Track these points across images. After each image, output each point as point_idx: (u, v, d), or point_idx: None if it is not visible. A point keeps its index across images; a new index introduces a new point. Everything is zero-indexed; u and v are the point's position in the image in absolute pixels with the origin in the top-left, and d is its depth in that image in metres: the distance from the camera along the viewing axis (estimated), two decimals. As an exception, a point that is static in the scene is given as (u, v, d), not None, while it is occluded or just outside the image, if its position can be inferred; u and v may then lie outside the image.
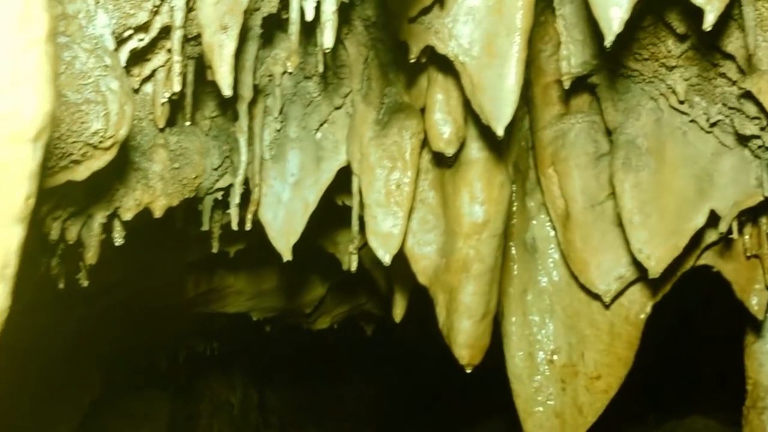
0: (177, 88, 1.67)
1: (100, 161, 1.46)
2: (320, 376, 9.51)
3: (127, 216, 1.75)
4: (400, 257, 2.34)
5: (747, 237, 2.59)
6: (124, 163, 1.74)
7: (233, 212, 2.32)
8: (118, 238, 1.85)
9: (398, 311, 2.75)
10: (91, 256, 1.76)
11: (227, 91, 1.61)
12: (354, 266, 2.98)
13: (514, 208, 2.73)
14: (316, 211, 2.53)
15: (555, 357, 2.78)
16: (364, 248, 3.37)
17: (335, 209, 3.13)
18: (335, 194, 2.72)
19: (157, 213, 1.82)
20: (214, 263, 3.69)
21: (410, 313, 3.70)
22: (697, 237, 2.48)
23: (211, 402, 9.15)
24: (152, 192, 1.77)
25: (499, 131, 1.79)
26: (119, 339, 4.49)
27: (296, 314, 4.62)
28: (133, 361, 5.74)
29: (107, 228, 1.81)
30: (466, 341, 2.17)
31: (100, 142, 1.42)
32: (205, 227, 2.47)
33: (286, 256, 2.33)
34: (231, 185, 2.33)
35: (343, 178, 2.58)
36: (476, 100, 1.85)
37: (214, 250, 2.68)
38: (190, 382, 8.88)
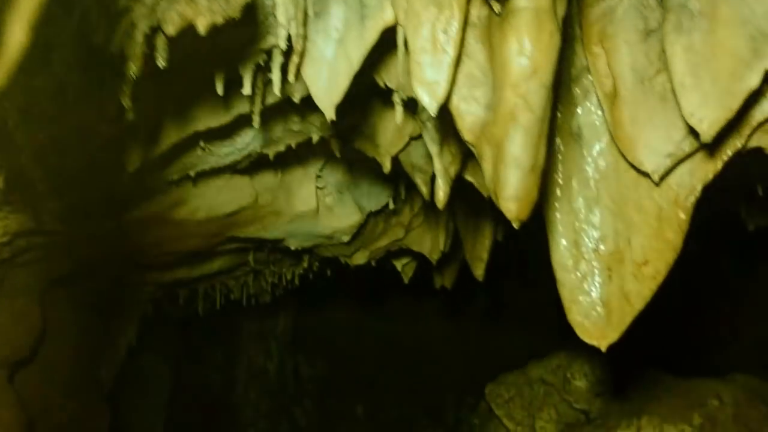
0: None
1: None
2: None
3: (170, 30, 1.73)
4: (446, 120, 2.30)
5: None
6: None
7: (275, 75, 2.30)
8: (161, 59, 1.82)
9: (441, 195, 2.69)
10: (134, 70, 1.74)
11: None
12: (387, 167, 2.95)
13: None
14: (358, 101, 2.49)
15: (601, 245, 2.72)
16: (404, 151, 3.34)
17: (378, 101, 3.10)
18: (377, 70, 2.68)
19: (201, 29, 1.79)
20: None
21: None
22: (750, 107, 2.41)
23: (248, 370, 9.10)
24: (195, 7, 1.74)
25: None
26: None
27: (334, 244, 4.59)
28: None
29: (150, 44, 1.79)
30: (514, 193, 2.11)
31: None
32: (247, 90, 2.43)
33: (329, 114, 2.29)
34: (274, 46, 2.30)
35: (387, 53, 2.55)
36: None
37: (255, 124, 2.64)
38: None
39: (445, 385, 10.18)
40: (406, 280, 5.87)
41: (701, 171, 2.61)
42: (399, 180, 4.32)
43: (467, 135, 2.22)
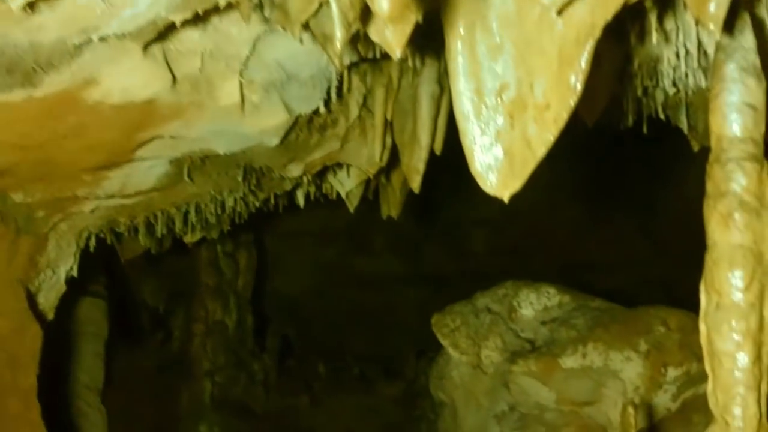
0: None
1: None
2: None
3: None
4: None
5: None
6: None
7: None
8: None
9: (338, 45, 2.58)
10: None
11: None
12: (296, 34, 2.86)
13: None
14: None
15: (504, 93, 2.65)
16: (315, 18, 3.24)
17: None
18: None
19: None
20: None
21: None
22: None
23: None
24: None
25: None
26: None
27: (265, 151, 4.50)
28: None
29: None
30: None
31: None
32: None
33: None
34: None
35: None
36: None
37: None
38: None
39: (408, 346, 10.12)
40: (351, 209, 5.80)
41: (601, 9, 2.53)
42: (330, 84, 4.23)
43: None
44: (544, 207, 10.65)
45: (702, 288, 2.77)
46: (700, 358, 5.37)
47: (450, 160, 4.98)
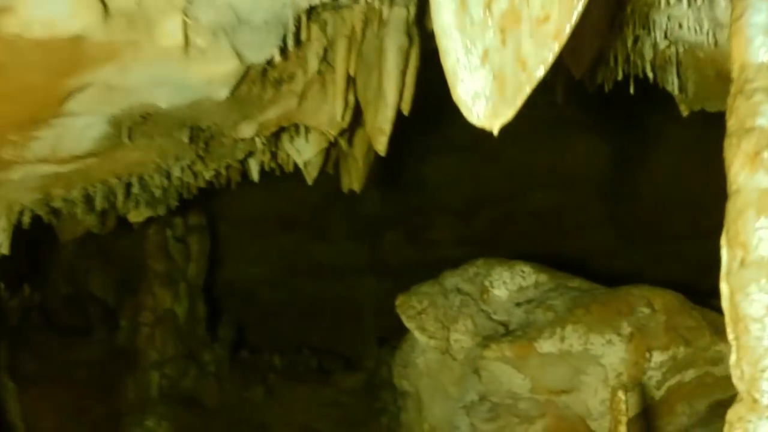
0: None
1: None
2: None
3: None
4: None
5: None
6: None
7: None
8: None
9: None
10: None
11: None
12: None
13: None
14: None
15: (494, 4, 2.20)
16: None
17: None
18: None
19: None
20: None
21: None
22: None
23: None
24: None
25: None
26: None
27: (213, 108, 4.04)
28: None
29: None
30: None
31: None
32: None
33: None
34: None
35: None
36: None
37: None
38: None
39: (368, 337, 9.75)
40: (310, 181, 5.35)
41: None
42: (286, 32, 3.78)
43: None
44: (514, 193, 10.39)
45: (723, 242, 2.33)
46: (687, 342, 5.02)
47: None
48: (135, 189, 5.28)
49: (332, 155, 5.49)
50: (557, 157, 10.28)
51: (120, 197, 5.28)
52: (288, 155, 5.26)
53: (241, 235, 10.67)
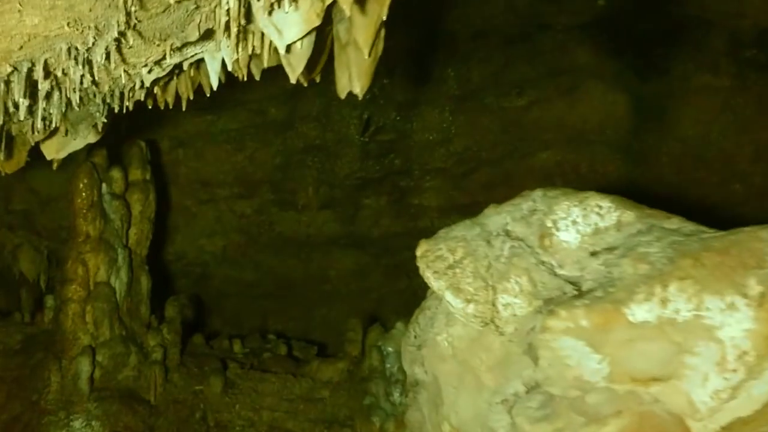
0: None
1: None
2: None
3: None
4: None
5: None
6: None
7: None
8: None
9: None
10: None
11: None
12: None
13: None
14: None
15: None
16: None
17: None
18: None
19: None
20: None
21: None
22: None
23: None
24: None
25: None
26: None
27: None
28: None
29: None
30: None
31: None
32: None
33: None
34: None
35: None
36: None
37: None
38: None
39: (345, 320, 8.50)
40: (293, 78, 3.86)
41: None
42: None
43: None
44: (514, 151, 9.40)
45: None
46: None
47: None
48: (39, 80, 3.64)
49: (326, 44, 3.95)
50: (566, 110, 9.12)
51: (17, 95, 3.63)
52: (263, 39, 3.70)
53: (195, 199, 9.46)
